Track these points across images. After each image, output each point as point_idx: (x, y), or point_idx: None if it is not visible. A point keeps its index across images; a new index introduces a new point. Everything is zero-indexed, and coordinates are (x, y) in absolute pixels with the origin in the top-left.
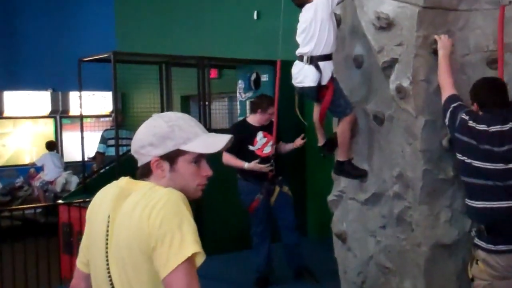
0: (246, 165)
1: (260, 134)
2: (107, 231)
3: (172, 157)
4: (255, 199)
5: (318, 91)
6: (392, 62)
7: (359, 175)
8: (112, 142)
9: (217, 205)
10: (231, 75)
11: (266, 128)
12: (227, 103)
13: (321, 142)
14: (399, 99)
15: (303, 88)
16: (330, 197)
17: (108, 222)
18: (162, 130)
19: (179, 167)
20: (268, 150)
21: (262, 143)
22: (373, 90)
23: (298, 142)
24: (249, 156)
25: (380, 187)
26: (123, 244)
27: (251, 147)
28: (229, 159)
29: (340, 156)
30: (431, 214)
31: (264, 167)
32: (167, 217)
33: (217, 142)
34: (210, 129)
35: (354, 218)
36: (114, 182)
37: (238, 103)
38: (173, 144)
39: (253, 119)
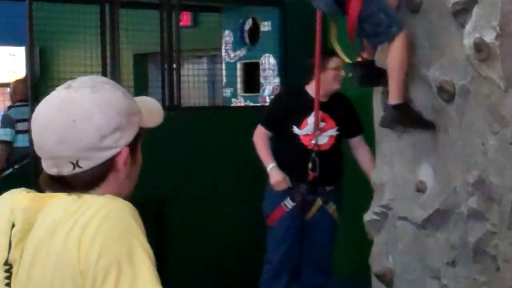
0: (269, 167)
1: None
2: (7, 274)
3: (135, 142)
4: (280, 205)
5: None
6: (468, 3)
7: (422, 124)
8: (23, 125)
9: (191, 225)
10: (213, 22)
11: (327, 105)
12: (207, 65)
13: (362, 56)
14: (479, 62)
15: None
16: (368, 216)
17: (8, 260)
18: (125, 103)
19: (137, 158)
20: (324, 140)
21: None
22: (437, 48)
23: None
24: (290, 143)
25: (448, 200)
26: None
27: (296, 130)
28: (259, 139)
29: (393, 97)
30: None
31: (282, 183)
32: (108, 243)
33: (152, 106)
34: (179, 106)
35: (406, 248)
36: (6, 195)
37: (224, 66)
38: (137, 121)
39: (313, 88)
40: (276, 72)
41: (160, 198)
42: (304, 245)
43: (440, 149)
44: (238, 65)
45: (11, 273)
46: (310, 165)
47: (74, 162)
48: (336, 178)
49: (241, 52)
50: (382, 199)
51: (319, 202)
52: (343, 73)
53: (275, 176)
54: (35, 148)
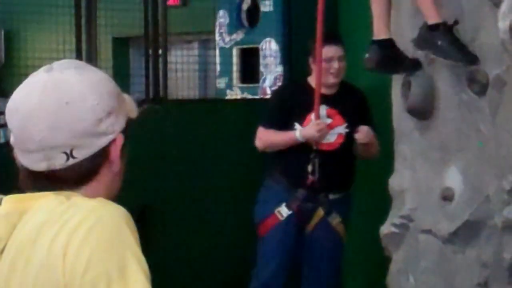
0: (298, 132)
1: (322, 110)
2: None
3: (125, 131)
4: (272, 213)
5: None
6: None
7: (464, 54)
8: None
9: (178, 231)
10: (206, 1)
11: (334, 99)
12: (198, 51)
13: (381, 33)
14: None
15: None
16: (385, 228)
17: None
18: (113, 85)
19: (125, 151)
20: (331, 139)
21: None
22: (466, 32)
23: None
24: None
25: (479, 210)
26: None
27: (298, 127)
28: (268, 136)
29: (430, 15)
30: None
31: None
32: (98, 253)
33: (126, 96)
34: (165, 98)
35: (430, 267)
36: None
37: (218, 52)
38: (125, 107)
39: (314, 79)
40: (278, 60)
41: (142, 203)
42: (305, 264)
43: (470, 150)
44: (234, 51)
45: None
46: (309, 167)
47: (68, 151)
48: (343, 185)
49: (238, 36)
50: (402, 208)
51: (320, 212)
52: (337, 65)
53: (316, 127)
54: (15, 141)
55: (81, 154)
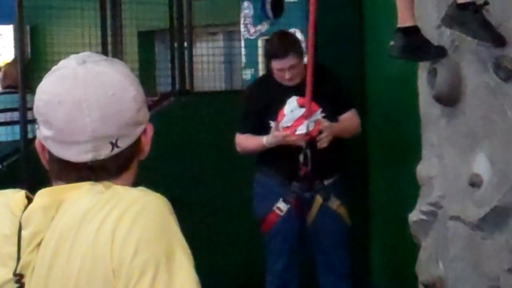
0: (265, 139)
1: (293, 101)
2: (18, 285)
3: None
4: (273, 209)
5: None
6: None
7: (492, 35)
8: (3, 116)
9: (205, 225)
10: None
11: (303, 88)
12: (223, 43)
13: (406, 20)
14: None
15: None
16: (413, 216)
17: (16, 270)
18: (133, 77)
19: None
20: (304, 129)
21: (295, 117)
22: (494, 16)
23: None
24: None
25: (508, 196)
26: None
27: (272, 124)
28: (243, 141)
29: None
30: None
31: (298, 138)
32: (146, 239)
33: None
34: (191, 91)
35: (459, 253)
36: (1, 195)
37: (243, 43)
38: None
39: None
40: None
41: (169, 197)
42: (316, 254)
43: (497, 136)
44: (260, 42)
45: (23, 284)
46: (301, 157)
47: (114, 141)
48: (334, 168)
49: (263, 27)
50: (430, 196)
51: (318, 199)
52: (288, 75)
53: (279, 135)
54: (56, 134)
55: (124, 143)
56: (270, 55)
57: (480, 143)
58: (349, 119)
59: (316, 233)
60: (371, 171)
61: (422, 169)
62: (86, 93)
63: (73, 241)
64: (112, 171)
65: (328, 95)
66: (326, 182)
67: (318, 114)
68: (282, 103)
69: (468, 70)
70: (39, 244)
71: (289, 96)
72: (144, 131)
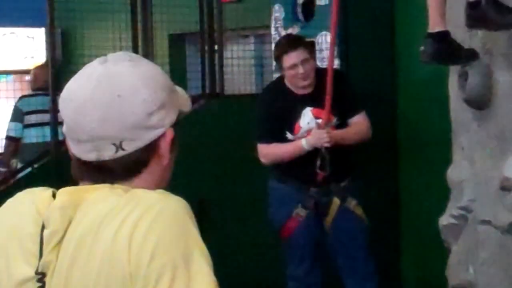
0: (304, 142)
1: (307, 113)
2: (40, 284)
3: (175, 125)
4: (292, 216)
5: None
6: None
7: None
8: (34, 117)
9: (234, 228)
10: None
11: (316, 97)
12: (254, 46)
13: (437, 25)
14: None
15: None
16: (444, 220)
17: (38, 268)
18: (166, 79)
19: (176, 145)
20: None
21: (311, 128)
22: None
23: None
24: None
25: None
26: None
27: (289, 136)
28: (273, 150)
29: None
30: None
31: (325, 137)
32: (163, 243)
33: (179, 89)
34: (222, 94)
35: (490, 258)
36: (25, 196)
37: (273, 46)
38: (177, 101)
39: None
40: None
41: (200, 197)
42: (338, 257)
43: None
44: None
45: (44, 283)
46: (318, 162)
47: (118, 143)
48: (349, 169)
49: (294, 30)
50: (461, 200)
51: (336, 201)
52: (301, 69)
53: (314, 135)
54: (68, 131)
55: (130, 147)
56: (280, 52)
57: (505, 142)
58: (356, 126)
59: (336, 235)
60: (401, 175)
61: (453, 173)
62: (93, 93)
63: (92, 243)
64: (120, 173)
65: (338, 98)
66: (342, 184)
67: (334, 122)
68: (297, 115)
69: (499, 73)
70: (58, 244)
71: (303, 107)
72: (163, 136)
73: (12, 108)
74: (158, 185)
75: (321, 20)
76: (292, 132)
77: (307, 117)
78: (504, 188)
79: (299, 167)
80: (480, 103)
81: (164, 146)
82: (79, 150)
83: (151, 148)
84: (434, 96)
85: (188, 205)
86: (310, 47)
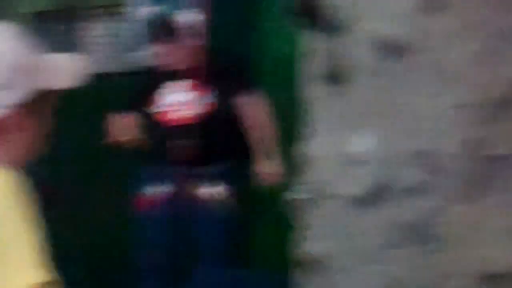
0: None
1: (175, 86)
2: None
3: (32, 104)
4: (148, 194)
5: None
6: None
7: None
8: None
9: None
10: None
11: (194, 71)
12: (112, 25)
13: None
14: None
15: None
16: (291, 195)
17: None
18: (20, 57)
19: (36, 122)
20: (199, 110)
21: (181, 101)
22: None
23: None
24: (149, 127)
25: (390, 174)
26: None
27: (146, 109)
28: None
29: None
30: (476, 222)
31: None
32: None
33: (64, 64)
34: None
35: (337, 230)
36: None
37: (129, 27)
38: (35, 80)
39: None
40: None
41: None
42: (190, 238)
43: (383, 115)
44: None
45: None
46: (182, 142)
47: None
48: (224, 154)
49: (149, 9)
50: (312, 174)
51: (196, 186)
52: (174, 57)
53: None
54: None
55: None
56: (155, 38)
57: (366, 122)
58: (258, 123)
59: (191, 219)
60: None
61: (305, 148)
62: None
63: None
64: None
65: (220, 73)
66: (211, 169)
67: (211, 97)
68: (157, 85)
69: (356, 50)
70: None
71: (163, 80)
72: (9, 117)
73: None
74: (9, 160)
75: None
76: (147, 102)
77: (172, 89)
78: (355, 162)
79: (157, 148)
80: (335, 78)
81: (11, 125)
82: None
83: None
84: (288, 72)
85: (20, 177)
86: (184, 32)
